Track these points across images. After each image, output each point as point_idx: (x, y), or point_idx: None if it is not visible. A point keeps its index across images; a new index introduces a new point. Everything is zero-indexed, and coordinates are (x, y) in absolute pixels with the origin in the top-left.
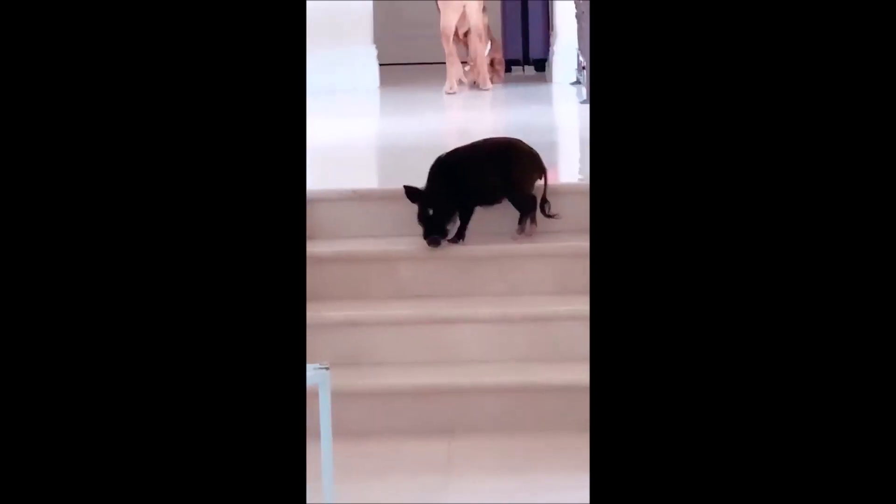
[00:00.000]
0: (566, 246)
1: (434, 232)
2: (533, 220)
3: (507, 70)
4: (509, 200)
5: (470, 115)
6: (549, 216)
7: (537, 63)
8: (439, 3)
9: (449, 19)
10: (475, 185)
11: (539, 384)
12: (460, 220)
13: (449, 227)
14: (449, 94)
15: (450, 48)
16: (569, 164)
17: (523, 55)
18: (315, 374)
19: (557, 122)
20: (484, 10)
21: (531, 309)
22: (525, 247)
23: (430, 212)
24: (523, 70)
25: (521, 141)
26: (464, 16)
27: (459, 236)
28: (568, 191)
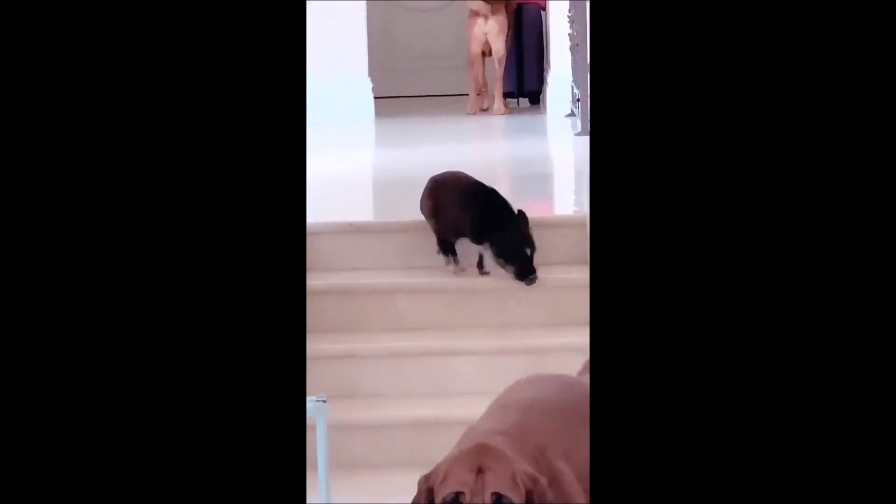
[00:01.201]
0: (562, 278)
1: (531, 273)
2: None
3: None
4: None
5: (464, 147)
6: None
7: (531, 95)
8: (468, 31)
9: (473, 47)
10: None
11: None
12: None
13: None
14: (469, 115)
15: (474, 74)
16: (564, 196)
17: (518, 87)
18: (312, 407)
19: (552, 154)
20: (505, 38)
21: (527, 341)
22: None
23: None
24: (518, 102)
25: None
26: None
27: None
28: (563, 223)
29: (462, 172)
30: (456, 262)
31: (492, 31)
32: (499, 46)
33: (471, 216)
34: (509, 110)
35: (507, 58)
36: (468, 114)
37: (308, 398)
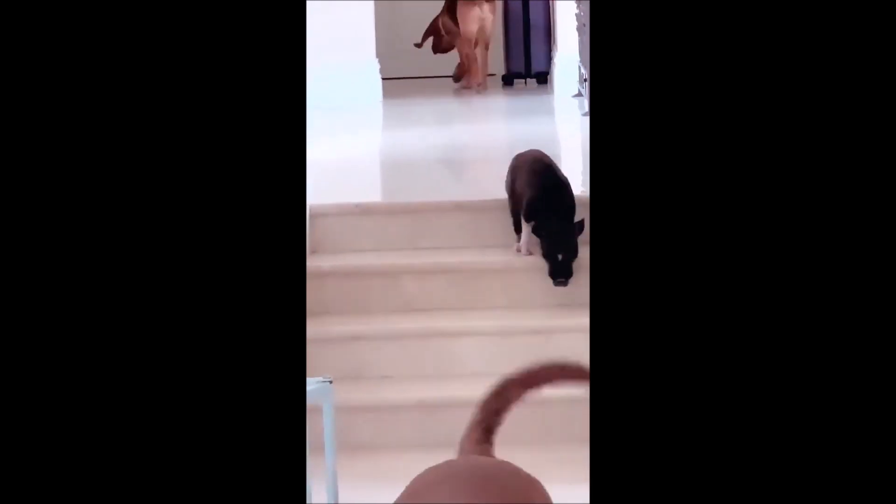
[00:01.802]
0: None
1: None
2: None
3: (510, 83)
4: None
5: (472, 129)
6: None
7: (539, 76)
8: (459, 14)
9: (470, 29)
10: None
11: (541, 397)
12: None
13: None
14: (478, 91)
15: (473, 53)
16: (571, 176)
17: (525, 68)
18: (318, 388)
19: (559, 134)
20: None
21: (533, 322)
22: (526, 260)
23: (560, 257)
24: (525, 83)
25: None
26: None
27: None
28: None
29: (540, 152)
30: (518, 240)
31: (488, 16)
32: (490, 30)
33: (528, 195)
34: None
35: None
36: (463, 87)
37: (314, 379)
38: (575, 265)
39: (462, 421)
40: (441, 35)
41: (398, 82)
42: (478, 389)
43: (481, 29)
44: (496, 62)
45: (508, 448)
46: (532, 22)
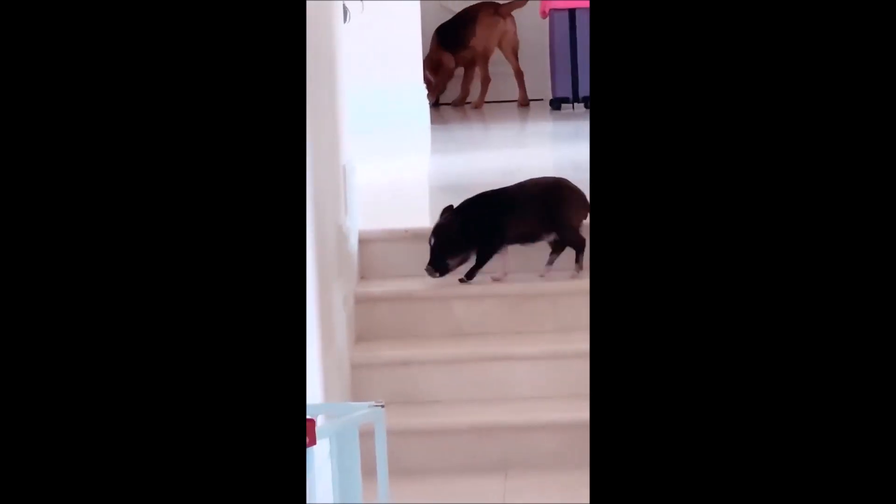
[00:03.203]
0: None
1: (431, 263)
2: (581, 257)
3: (557, 108)
4: (560, 238)
5: (519, 153)
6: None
7: (587, 100)
8: (481, 28)
9: (492, 44)
10: (511, 225)
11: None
12: (476, 260)
13: (450, 262)
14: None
15: (487, 71)
16: None
17: (573, 92)
18: (370, 413)
19: None
20: None
21: (582, 345)
22: (575, 284)
23: (432, 241)
24: (573, 107)
25: (567, 180)
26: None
27: (471, 276)
28: None
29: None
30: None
31: (511, 28)
32: (516, 42)
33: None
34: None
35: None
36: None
37: (365, 404)
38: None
39: (513, 444)
40: (438, 74)
41: (445, 107)
42: (528, 414)
43: (506, 41)
44: (543, 87)
45: (562, 471)
46: (578, 46)
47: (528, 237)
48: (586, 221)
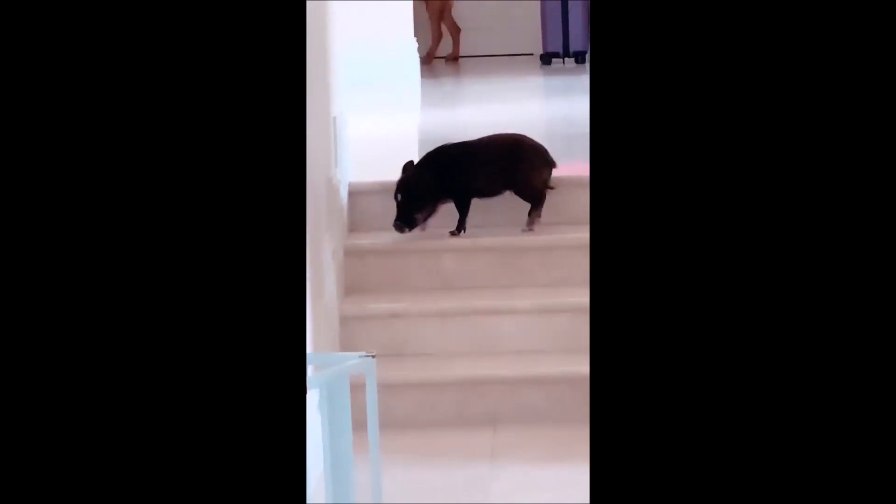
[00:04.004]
0: None
1: (398, 219)
2: (538, 214)
3: (547, 63)
4: (517, 195)
5: (509, 107)
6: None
7: (577, 55)
8: None
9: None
10: (474, 179)
11: (581, 374)
12: (459, 211)
13: (418, 217)
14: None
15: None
16: None
17: (563, 47)
18: (361, 363)
19: None
20: None
21: (573, 299)
22: (567, 237)
23: (399, 197)
24: (563, 62)
25: (526, 137)
26: None
27: (460, 228)
28: None
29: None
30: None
31: None
32: None
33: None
34: None
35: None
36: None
37: (356, 354)
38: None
39: (502, 398)
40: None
41: (435, 61)
42: (518, 368)
43: None
44: (534, 41)
45: (550, 425)
46: (570, 1)
47: (489, 192)
48: (547, 177)
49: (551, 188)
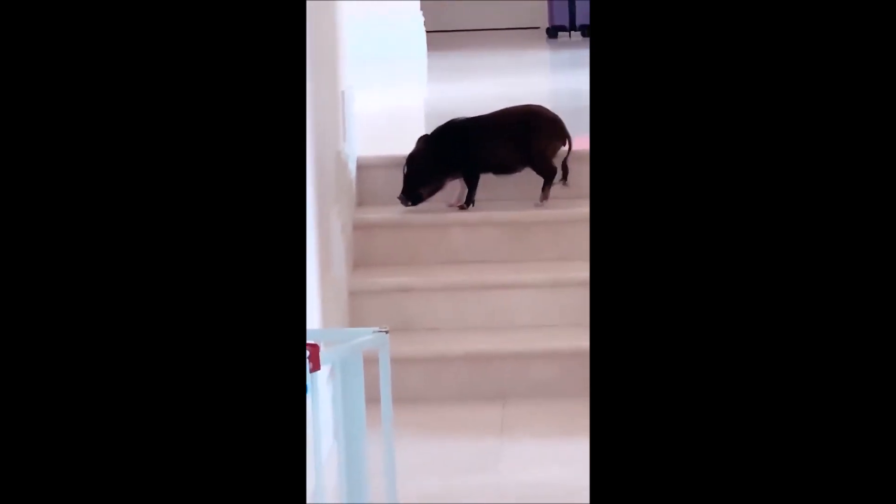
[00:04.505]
0: None
1: (404, 192)
2: (548, 189)
3: (554, 36)
4: (532, 168)
5: (515, 80)
6: (565, 184)
7: (584, 28)
8: None
9: None
10: (484, 153)
11: (587, 349)
12: (467, 186)
13: (423, 192)
14: None
15: None
16: None
17: (570, 20)
18: (374, 338)
19: None
20: None
21: (582, 273)
22: (576, 211)
23: (405, 170)
24: (569, 35)
25: (543, 108)
26: None
27: (468, 202)
28: None
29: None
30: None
31: None
32: None
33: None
34: None
35: None
36: None
37: (370, 329)
38: None
39: (511, 372)
40: None
41: (441, 35)
42: (527, 342)
43: None
44: (540, 15)
45: (559, 399)
46: None
47: (504, 168)
48: (564, 149)
49: (565, 169)
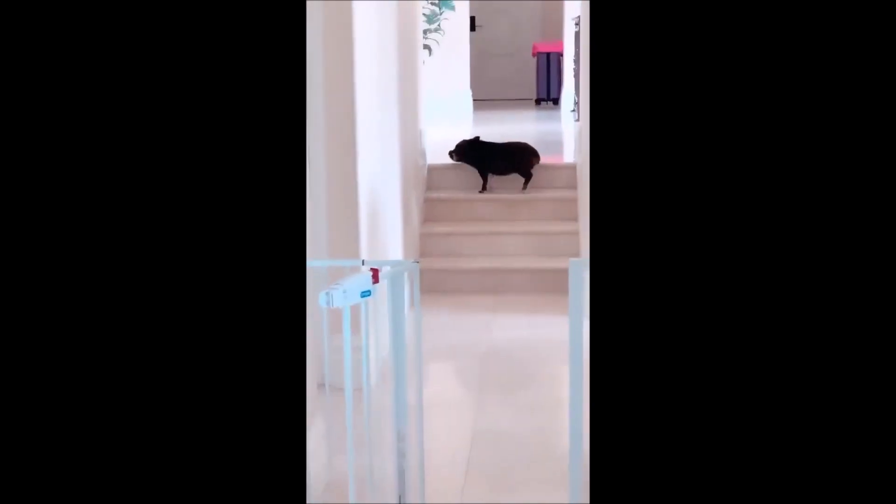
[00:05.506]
0: (561, 195)
1: (451, 154)
2: (527, 184)
3: (538, 104)
4: (518, 174)
5: (519, 126)
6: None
7: (554, 100)
8: None
9: None
10: (495, 164)
11: (546, 268)
12: (482, 180)
13: (459, 160)
14: None
15: None
16: (566, 151)
17: (548, 94)
18: (411, 266)
19: (562, 129)
20: None
21: (544, 227)
22: (541, 194)
23: (453, 156)
24: (548, 103)
25: (528, 145)
26: None
27: (483, 188)
28: (563, 166)
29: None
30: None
31: None
32: None
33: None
34: None
35: (539, 74)
36: None
37: (407, 260)
38: (562, 198)
39: (503, 279)
40: None
41: (483, 102)
42: (512, 263)
43: None
44: (531, 90)
45: (528, 294)
46: (551, 67)
47: (503, 172)
48: (538, 163)
49: (531, 173)
